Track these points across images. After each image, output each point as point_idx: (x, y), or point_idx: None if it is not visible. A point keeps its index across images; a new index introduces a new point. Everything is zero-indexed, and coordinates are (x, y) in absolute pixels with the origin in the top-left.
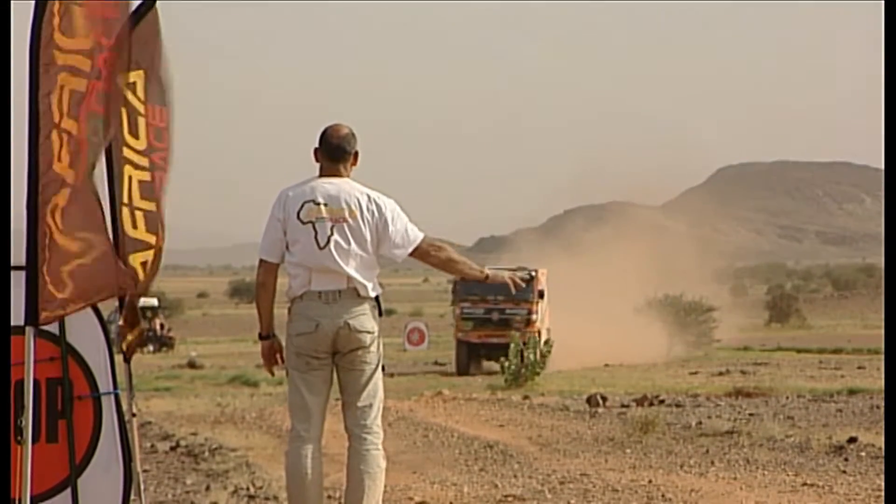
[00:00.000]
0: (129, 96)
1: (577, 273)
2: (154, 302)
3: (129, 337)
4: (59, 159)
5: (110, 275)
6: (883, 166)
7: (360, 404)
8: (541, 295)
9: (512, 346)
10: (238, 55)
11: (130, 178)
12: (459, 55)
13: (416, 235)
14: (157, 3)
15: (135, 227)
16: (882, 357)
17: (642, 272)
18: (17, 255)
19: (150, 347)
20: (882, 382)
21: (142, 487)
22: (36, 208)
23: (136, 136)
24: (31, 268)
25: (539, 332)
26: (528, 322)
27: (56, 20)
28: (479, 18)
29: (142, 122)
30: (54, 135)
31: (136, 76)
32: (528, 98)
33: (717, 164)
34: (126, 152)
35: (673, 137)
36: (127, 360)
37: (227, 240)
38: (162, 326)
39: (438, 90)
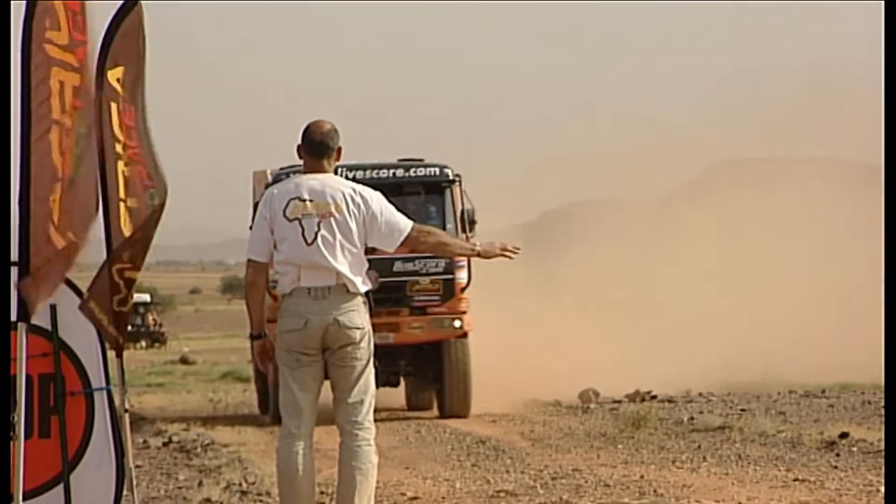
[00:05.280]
0: (120, 91)
1: (569, 270)
2: (146, 298)
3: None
4: (60, 154)
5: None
6: (880, 163)
7: (350, 400)
8: (469, 221)
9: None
10: (232, 48)
11: (123, 173)
12: (445, 46)
13: (406, 224)
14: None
15: (125, 223)
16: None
17: (635, 270)
18: None
19: (143, 343)
20: (875, 378)
21: (134, 483)
22: (29, 204)
23: (123, 131)
24: (24, 264)
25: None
26: (449, 294)
27: (46, 15)
28: (485, 12)
29: (123, 117)
30: (54, 130)
31: (119, 72)
32: (522, 91)
33: (710, 160)
34: (117, 147)
35: (666, 133)
36: (119, 355)
37: (219, 235)
38: (154, 322)
39: (430, 82)
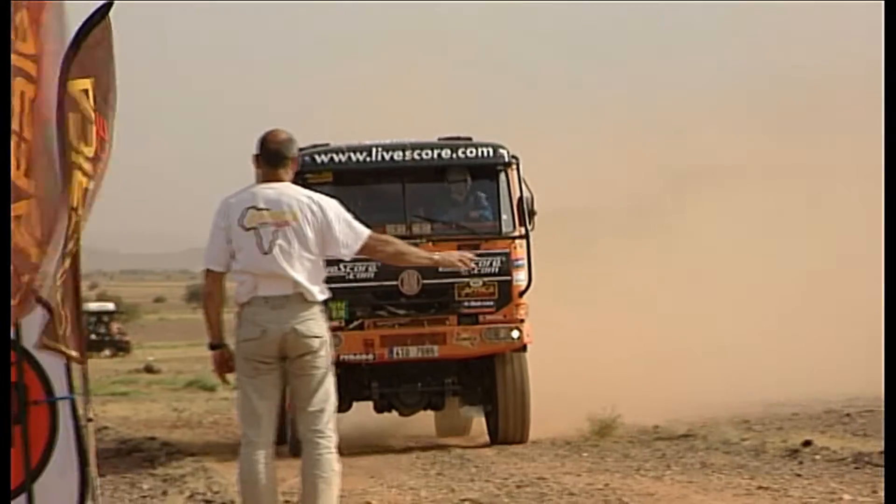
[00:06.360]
0: (84, 103)
1: (558, 281)
2: (110, 306)
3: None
4: (17, 167)
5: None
6: (880, 172)
7: (311, 409)
8: (529, 212)
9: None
10: (192, 55)
11: (81, 184)
12: (442, 44)
13: (362, 232)
14: (111, 11)
15: (71, 234)
16: None
17: (620, 280)
18: None
19: (107, 352)
20: (843, 387)
21: (98, 492)
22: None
23: (87, 143)
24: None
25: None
26: (505, 299)
27: (13, 23)
28: (480, 17)
29: (91, 129)
30: (13, 141)
31: (87, 83)
32: (522, 90)
33: (702, 162)
34: (77, 159)
35: (656, 138)
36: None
37: (184, 244)
38: (118, 331)
39: (430, 80)
